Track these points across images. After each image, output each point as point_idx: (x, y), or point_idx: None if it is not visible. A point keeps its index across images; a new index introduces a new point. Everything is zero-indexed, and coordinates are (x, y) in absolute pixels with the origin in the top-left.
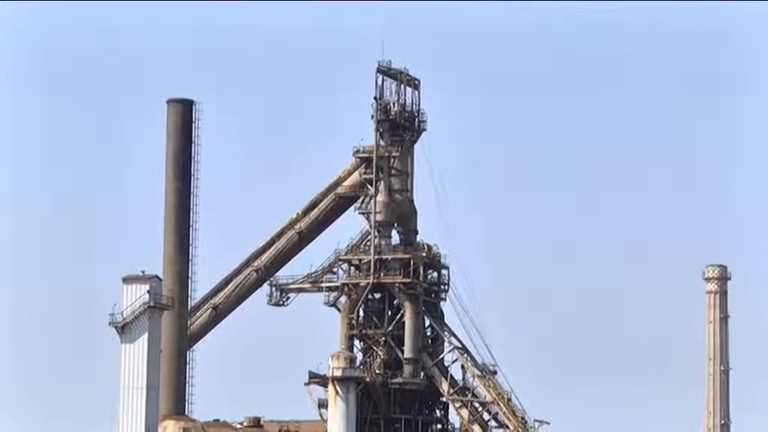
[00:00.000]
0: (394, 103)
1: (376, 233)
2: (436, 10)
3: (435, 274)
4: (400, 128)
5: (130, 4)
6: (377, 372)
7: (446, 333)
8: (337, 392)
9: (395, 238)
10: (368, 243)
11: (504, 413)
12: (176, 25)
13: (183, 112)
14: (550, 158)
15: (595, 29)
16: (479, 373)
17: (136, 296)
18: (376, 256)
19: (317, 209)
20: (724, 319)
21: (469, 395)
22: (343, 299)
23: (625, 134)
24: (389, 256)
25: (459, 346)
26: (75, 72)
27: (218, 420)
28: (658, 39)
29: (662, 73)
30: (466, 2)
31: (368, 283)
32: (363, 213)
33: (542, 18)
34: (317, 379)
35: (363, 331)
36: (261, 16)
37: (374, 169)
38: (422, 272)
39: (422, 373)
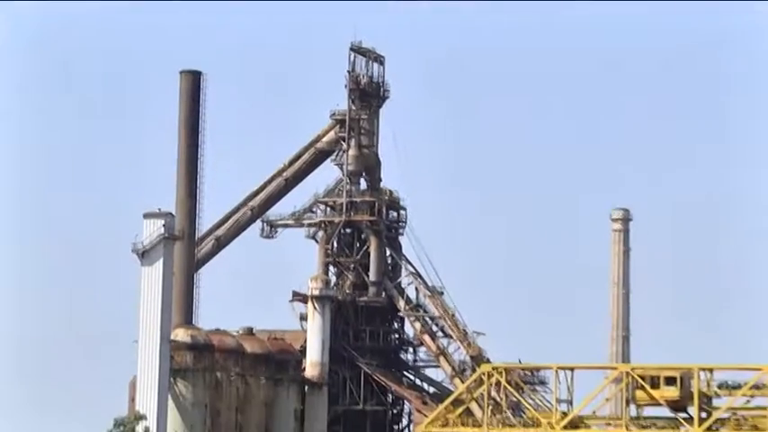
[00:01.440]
0: (363, 76)
1: (348, 180)
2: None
3: (395, 214)
4: (368, 95)
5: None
6: (347, 292)
7: (403, 261)
8: (315, 308)
9: (363, 184)
10: (341, 188)
11: (449, 326)
12: (185, 8)
13: (193, 81)
14: (488, 119)
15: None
16: (429, 293)
17: (153, 229)
18: (347, 199)
19: (300, 160)
20: (626, 251)
21: (421, 311)
22: (320, 233)
23: (552, 101)
24: (358, 199)
25: (414, 271)
26: (105, 47)
27: (218, 329)
28: None
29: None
30: None
31: (341, 221)
32: (338, 164)
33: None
34: (299, 297)
35: (337, 259)
36: (257, 13)
37: (347, 129)
38: (384, 212)
39: (383, 293)
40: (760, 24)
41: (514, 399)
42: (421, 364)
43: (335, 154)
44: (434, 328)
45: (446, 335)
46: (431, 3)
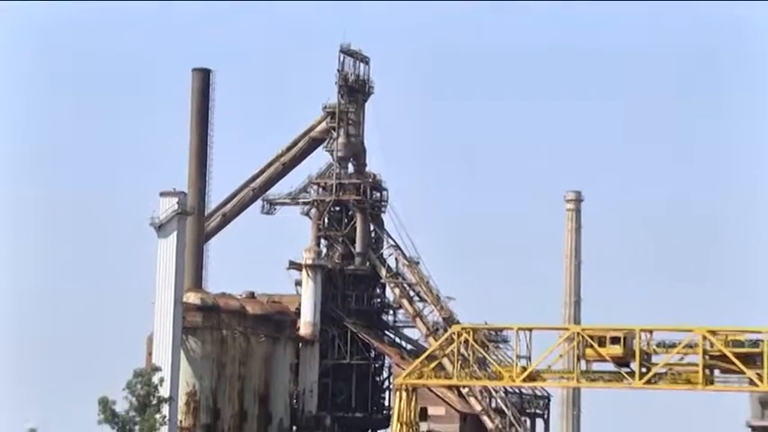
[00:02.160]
0: (351, 74)
1: (337, 165)
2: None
3: (378, 194)
4: (355, 91)
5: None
6: (336, 261)
7: (385, 235)
8: (308, 275)
9: (350, 168)
10: (331, 171)
11: (424, 291)
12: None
13: (203, 78)
14: (460, 112)
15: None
16: (407, 263)
17: (168, 206)
18: (337, 181)
19: (295, 147)
20: (578, 228)
21: (400, 279)
22: (313, 210)
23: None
24: (346, 181)
25: (394, 244)
26: (127, 46)
27: (224, 293)
28: None
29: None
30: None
31: (331, 200)
32: (328, 151)
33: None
34: (295, 265)
35: (327, 233)
36: (260, 18)
37: (336, 120)
38: (368, 192)
39: (367, 263)
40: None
41: (480, 355)
42: (399, 324)
43: (327, 142)
44: (411, 294)
45: (421, 299)
46: (411, 4)
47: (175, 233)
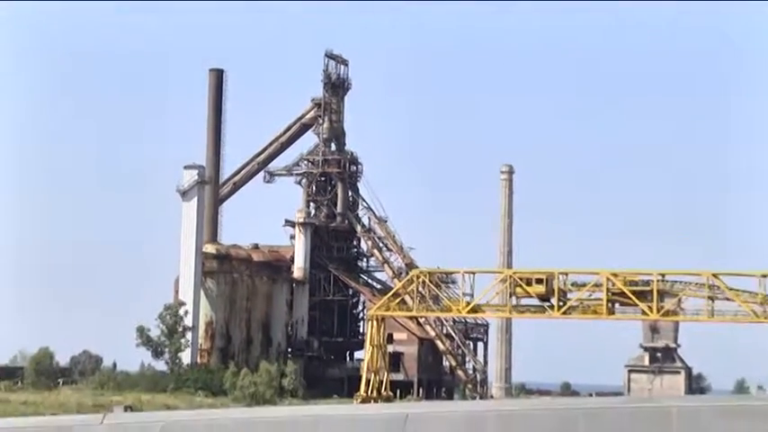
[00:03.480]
0: (333, 73)
1: (323, 144)
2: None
3: (354, 167)
4: (336, 87)
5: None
6: (322, 220)
7: (360, 199)
8: (300, 231)
9: (333, 147)
10: (318, 150)
11: (390, 243)
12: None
13: (218, 76)
14: (424, 105)
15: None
16: (377, 221)
17: (191, 176)
18: (322, 157)
19: (290, 130)
20: (510, 194)
21: (372, 233)
22: (304, 180)
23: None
24: (330, 157)
25: (367, 206)
26: (158, 49)
27: (235, 245)
28: None
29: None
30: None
31: (318, 172)
32: (316, 134)
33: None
34: (290, 223)
35: (315, 198)
36: (259, 20)
37: (322, 110)
38: (347, 166)
39: (346, 221)
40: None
41: (434, 293)
42: (371, 269)
43: (314, 127)
44: (380, 245)
45: (388, 249)
46: (383, 4)
47: (196, 198)
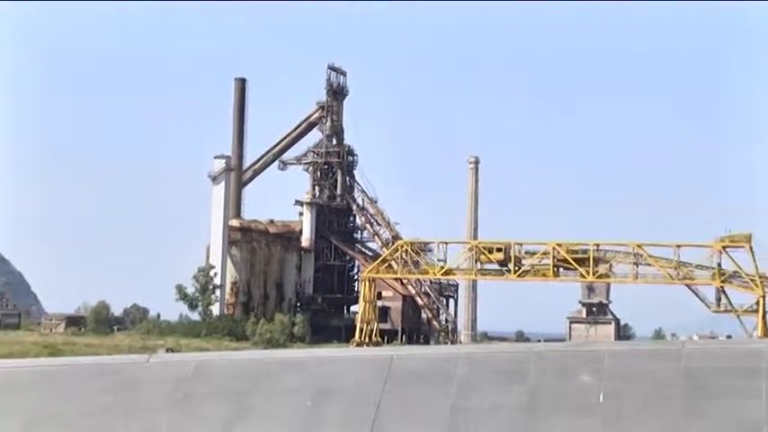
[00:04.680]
0: (334, 82)
1: (326, 139)
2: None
3: (351, 158)
4: (337, 93)
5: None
6: (325, 200)
7: (356, 183)
8: (308, 209)
9: (334, 141)
10: (322, 143)
11: (380, 219)
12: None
13: (242, 85)
14: (413, 106)
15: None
16: (369, 201)
17: (219, 164)
18: (325, 150)
19: (299, 128)
20: (476, 181)
21: (365, 211)
22: (311, 168)
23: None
24: (332, 150)
25: (361, 189)
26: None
27: (255, 219)
28: None
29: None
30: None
31: (322, 161)
32: (321, 130)
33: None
34: (299, 202)
35: (319, 182)
36: (275, 34)
37: (326, 111)
38: (345, 157)
39: (344, 201)
40: None
41: (415, 259)
42: (365, 240)
43: (319, 125)
44: (372, 221)
45: (378, 224)
46: (375, 20)
47: (223, 182)
